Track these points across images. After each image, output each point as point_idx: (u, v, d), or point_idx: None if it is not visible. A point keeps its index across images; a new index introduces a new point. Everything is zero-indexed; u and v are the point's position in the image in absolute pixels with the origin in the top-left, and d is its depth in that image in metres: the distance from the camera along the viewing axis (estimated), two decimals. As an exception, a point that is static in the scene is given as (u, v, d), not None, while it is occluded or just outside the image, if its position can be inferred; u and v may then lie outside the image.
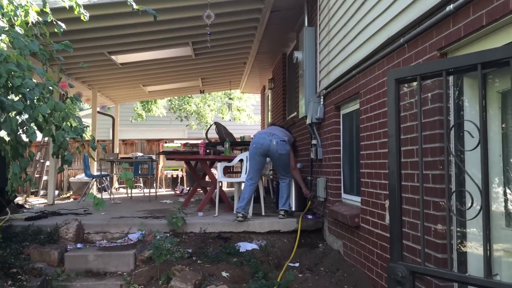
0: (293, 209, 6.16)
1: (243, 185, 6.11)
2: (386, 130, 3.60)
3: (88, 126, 4.34)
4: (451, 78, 2.81)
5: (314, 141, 5.79)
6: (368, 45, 3.99)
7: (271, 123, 7.75)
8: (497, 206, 2.50)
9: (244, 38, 8.27)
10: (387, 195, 3.54)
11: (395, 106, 2.65)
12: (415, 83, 3.01)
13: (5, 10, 3.88)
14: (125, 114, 16.45)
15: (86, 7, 5.28)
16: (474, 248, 2.72)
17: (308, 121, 5.85)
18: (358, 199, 4.38)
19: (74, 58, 7.84)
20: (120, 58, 8.50)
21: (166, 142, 13.37)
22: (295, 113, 7.40)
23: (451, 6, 2.60)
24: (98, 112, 11.39)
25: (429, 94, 2.90)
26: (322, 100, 5.61)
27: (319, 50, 5.83)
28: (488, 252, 2.03)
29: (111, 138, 13.67)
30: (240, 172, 7.57)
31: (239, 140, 9.00)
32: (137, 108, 16.36)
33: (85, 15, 4.25)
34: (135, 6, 4.33)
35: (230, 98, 16.44)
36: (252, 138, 6.30)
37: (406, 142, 3.18)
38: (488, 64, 2.15)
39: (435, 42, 2.85)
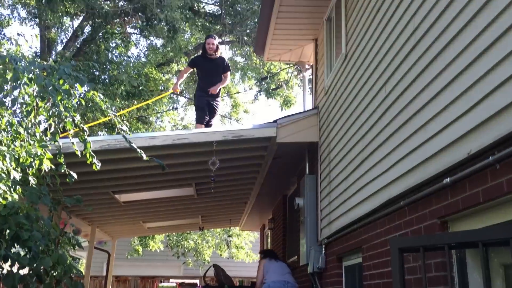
0: None
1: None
2: (390, 291, 3.55)
3: (80, 258, 4.28)
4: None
5: (315, 292, 5.64)
6: (369, 202, 4.11)
7: (275, 256, 7.34)
8: None
9: (246, 181, 8.50)
10: None
11: (399, 274, 2.66)
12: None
13: (21, 161, 4.07)
14: (121, 248, 16.17)
15: (96, 152, 5.52)
16: None
17: (309, 269, 5.77)
18: None
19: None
20: (123, 197, 8.63)
21: (161, 281, 12.95)
22: (296, 257, 7.31)
23: (448, 180, 2.75)
24: (95, 247, 11.22)
25: (433, 262, 2.92)
26: (323, 249, 5.59)
27: (320, 198, 5.96)
28: None
29: (104, 273, 13.27)
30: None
31: (238, 284, 8.75)
32: (134, 242, 16.14)
33: (97, 165, 4.43)
34: (145, 157, 4.54)
35: (229, 236, 16.32)
36: (259, 281, 6.13)
37: (412, 308, 3.12)
38: (489, 243, 2.22)
39: (435, 210, 2.96)
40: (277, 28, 6.46)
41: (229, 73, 7.56)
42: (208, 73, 7.45)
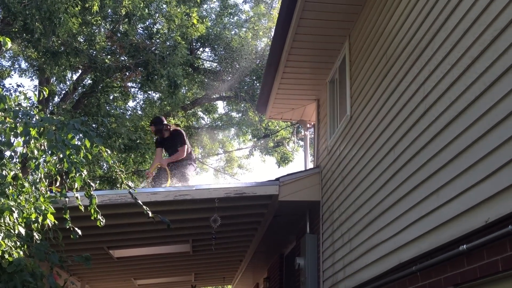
0: None
1: None
2: None
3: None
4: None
5: None
6: (377, 265, 4.06)
7: None
8: None
9: (243, 238, 8.39)
10: None
11: None
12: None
13: (25, 216, 4.01)
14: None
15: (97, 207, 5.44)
16: None
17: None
18: None
19: (72, 251, 7.79)
20: (117, 253, 8.44)
21: None
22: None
23: (465, 246, 2.74)
24: (83, 304, 10.83)
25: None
26: (326, 312, 5.46)
27: (322, 259, 5.88)
28: None
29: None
30: None
31: None
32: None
33: (101, 221, 4.37)
34: (150, 215, 4.49)
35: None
36: None
37: None
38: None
39: (450, 277, 2.93)
40: (280, 88, 6.61)
41: (185, 146, 7.55)
42: (167, 149, 7.76)
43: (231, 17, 15.61)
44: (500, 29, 2.61)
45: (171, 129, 7.75)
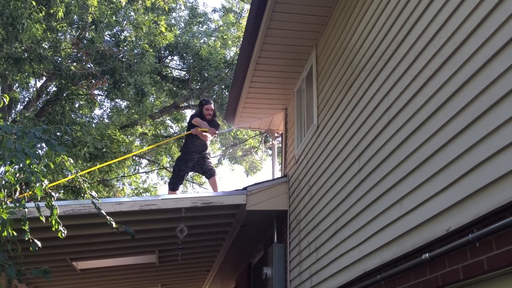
0: None
1: None
2: None
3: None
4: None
5: None
6: (343, 274, 4.07)
7: None
8: None
9: (211, 248, 8.31)
10: None
11: None
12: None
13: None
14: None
15: (59, 218, 5.28)
16: None
17: None
18: None
19: (33, 263, 7.53)
20: (81, 264, 8.22)
21: None
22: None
23: (427, 255, 2.78)
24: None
25: None
26: (293, 322, 5.44)
27: (289, 268, 5.87)
28: None
29: None
30: None
31: None
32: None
33: (63, 233, 4.25)
34: (114, 225, 4.40)
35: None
36: None
37: None
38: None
39: (413, 286, 2.96)
40: (248, 97, 6.62)
41: (215, 130, 7.43)
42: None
43: (200, 26, 15.58)
44: (460, 42, 2.68)
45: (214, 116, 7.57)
